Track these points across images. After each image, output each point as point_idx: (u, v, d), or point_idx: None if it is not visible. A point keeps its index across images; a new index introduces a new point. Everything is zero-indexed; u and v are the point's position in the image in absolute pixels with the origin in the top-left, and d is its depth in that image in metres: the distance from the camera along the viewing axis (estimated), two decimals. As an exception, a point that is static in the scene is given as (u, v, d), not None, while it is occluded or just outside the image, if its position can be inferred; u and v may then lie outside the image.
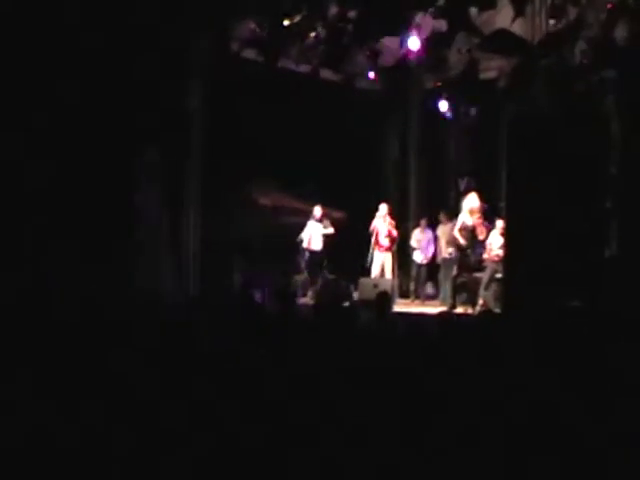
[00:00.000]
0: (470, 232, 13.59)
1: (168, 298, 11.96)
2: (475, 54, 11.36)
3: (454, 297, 13.90)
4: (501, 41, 10.23)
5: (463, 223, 13.65)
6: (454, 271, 13.96)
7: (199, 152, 13.70)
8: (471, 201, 13.79)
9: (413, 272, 16.30)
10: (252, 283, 13.25)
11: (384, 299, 8.47)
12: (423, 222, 16.21)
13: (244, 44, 12.77)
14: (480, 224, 13.60)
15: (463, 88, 12.59)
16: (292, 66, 13.51)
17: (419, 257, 16.05)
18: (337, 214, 15.59)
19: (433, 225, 16.09)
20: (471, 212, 13.65)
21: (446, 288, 14.90)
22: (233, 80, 13.61)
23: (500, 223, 13.71)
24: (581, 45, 10.92)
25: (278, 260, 14.99)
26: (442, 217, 15.72)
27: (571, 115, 12.00)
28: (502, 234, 13.59)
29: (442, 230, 15.50)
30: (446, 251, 14.92)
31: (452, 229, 14.17)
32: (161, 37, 12.47)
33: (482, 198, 13.82)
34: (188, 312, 8.34)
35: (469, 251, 13.72)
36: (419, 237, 16.12)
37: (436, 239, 15.91)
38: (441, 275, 15.60)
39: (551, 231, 12.12)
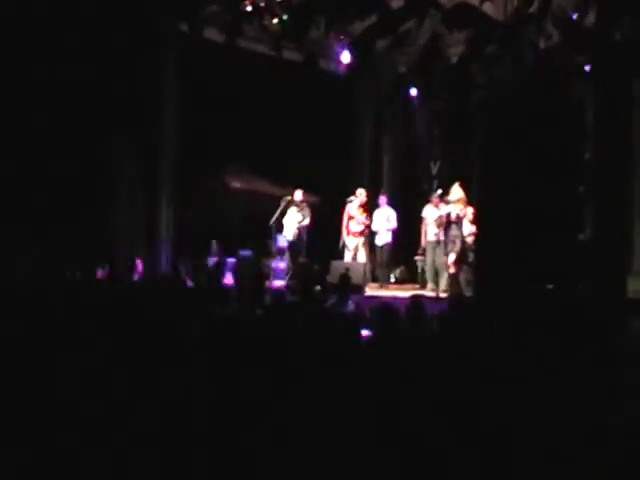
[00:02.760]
0: (451, 223, 13.65)
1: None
2: (445, 38, 11.36)
3: (451, 284, 13.86)
4: (462, 14, 10.20)
5: (448, 215, 13.71)
6: (441, 255, 13.97)
7: (173, 136, 13.67)
8: (456, 192, 13.85)
9: (375, 256, 15.67)
10: (224, 266, 13.21)
11: (345, 280, 8.54)
12: (383, 199, 15.70)
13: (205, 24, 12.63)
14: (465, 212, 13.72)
15: (426, 70, 12.53)
16: (264, 50, 13.45)
17: (380, 239, 15.59)
18: (311, 198, 15.54)
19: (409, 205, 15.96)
20: (457, 202, 13.72)
21: (432, 272, 14.69)
22: (207, 64, 13.57)
23: (470, 210, 13.70)
24: (551, 30, 10.93)
25: (252, 244, 14.95)
26: (434, 198, 14.96)
27: (543, 99, 12.00)
28: (471, 221, 13.61)
29: (430, 212, 15.04)
30: (434, 234, 14.64)
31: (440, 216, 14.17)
32: (135, 19, 12.40)
33: (464, 187, 13.87)
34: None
35: (458, 241, 13.70)
36: (378, 216, 15.55)
37: (420, 220, 15.41)
38: (428, 258, 14.97)
39: (524, 215, 12.13)
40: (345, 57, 14.47)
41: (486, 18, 10.43)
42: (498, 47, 10.92)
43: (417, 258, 15.62)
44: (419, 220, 15.38)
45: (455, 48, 12.47)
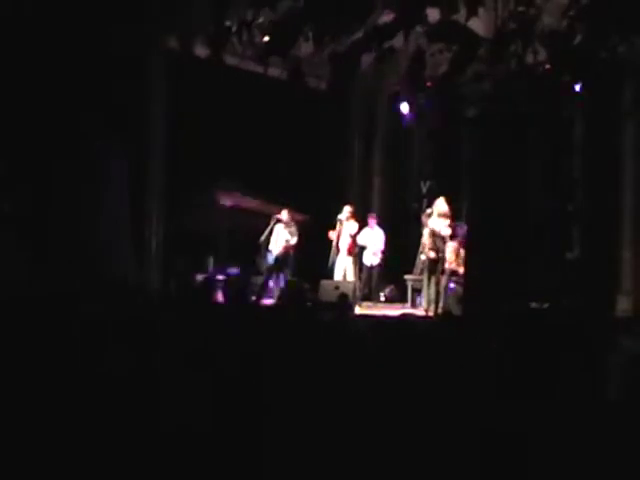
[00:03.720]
0: (440, 238, 13.61)
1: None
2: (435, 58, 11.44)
3: (437, 301, 13.80)
4: (447, 30, 10.29)
5: (433, 229, 13.67)
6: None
7: (162, 152, 13.66)
8: (440, 206, 13.83)
9: (364, 275, 15.64)
10: (212, 283, 13.17)
11: (344, 300, 8.50)
12: (372, 220, 15.68)
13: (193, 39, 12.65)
14: (447, 226, 13.66)
15: (411, 83, 12.57)
16: (253, 67, 13.47)
17: (368, 259, 15.63)
18: (300, 216, 15.53)
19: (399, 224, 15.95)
20: (439, 216, 13.69)
21: (429, 292, 14.55)
22: (196, 81, 13.59)
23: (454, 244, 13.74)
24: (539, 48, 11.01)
25: (239, 261, 14.94)
26: (424, 218, 14.58)
27: (532, 118, 12.05)
28: (454, 252, 13.63)
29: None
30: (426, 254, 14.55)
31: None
32: (124, 37, 12.40)
33: (449, 202, 13.84)
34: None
35: (440, 255, 13.70)
36: (368, 236, 15.58)
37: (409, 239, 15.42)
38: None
39: (512, 233, 12.15)
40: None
41: (471, 34, 10.51)
42: (484, 63, 10.99)
43: (407, 277, 15.60)
44: (408, 239, 15.41)
45: (443, 67, 12.52)
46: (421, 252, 14.39)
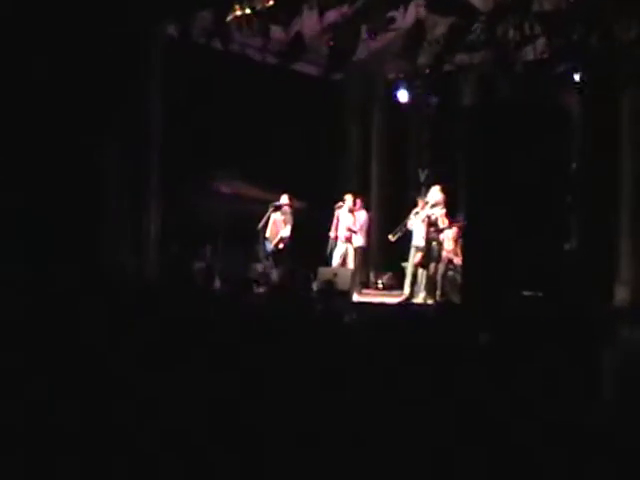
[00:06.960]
0: (434, 226, 13.62)
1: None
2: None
3: (412, 287, 13.84)
4: (446, 2, 10.32)
5: (429, 218, 13.67)
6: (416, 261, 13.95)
7: (160, 141, 13.63)
8: (434, 194, 13.82)
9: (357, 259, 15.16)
10: (212, 270, 13.20)
11: (330, 286, 8.58)
12: (358, 202, 15.31)
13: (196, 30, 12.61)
14: (443, 215, 13.66)
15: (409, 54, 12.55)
16: (253, 54, 13.46)
17: (355, 242, 15.11)
18: (298, 204, 15.52)
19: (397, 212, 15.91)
20: (435, 205, 13.68)
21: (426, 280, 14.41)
22: (194, 69, 13.56)
23: (453, 229, 13.73)
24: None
25: (239, 248, 14.94)
26: (420, 203, 14.31)
27: (531, 108, 12.05)
28: (454, 239, 13.64)
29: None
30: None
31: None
32: (122, 26, 12.36)
33: (445, 190, 13.83)
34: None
35: (435, 244, 13.70)
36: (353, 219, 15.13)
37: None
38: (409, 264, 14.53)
39: (510, 223, 12.15)
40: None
41: (469, 6, 10.55)
42: (480, 35, 11.03)
43: (405, 264, 15.58)
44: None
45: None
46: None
